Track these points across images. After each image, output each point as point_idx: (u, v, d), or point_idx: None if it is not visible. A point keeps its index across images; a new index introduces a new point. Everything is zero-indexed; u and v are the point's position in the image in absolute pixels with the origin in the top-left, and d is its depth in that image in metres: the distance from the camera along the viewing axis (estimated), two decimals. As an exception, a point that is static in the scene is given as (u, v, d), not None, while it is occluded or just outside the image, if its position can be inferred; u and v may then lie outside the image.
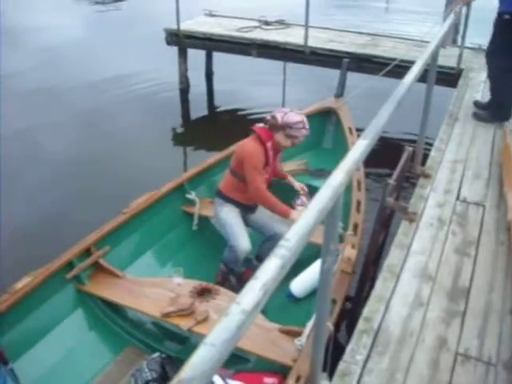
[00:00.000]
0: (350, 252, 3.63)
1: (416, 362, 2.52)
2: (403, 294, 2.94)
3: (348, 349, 2.55)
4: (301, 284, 3.81)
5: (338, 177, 1.74)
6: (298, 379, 2.68)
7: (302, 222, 1.50)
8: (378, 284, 3.00)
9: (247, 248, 3.78)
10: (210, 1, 12.00)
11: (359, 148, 1.94)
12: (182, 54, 8.86)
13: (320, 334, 2.15)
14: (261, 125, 3.82)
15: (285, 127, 3.71)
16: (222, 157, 4.69)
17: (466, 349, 2.62)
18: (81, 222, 4.98)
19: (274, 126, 3.74)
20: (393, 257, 3.23)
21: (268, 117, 3.79)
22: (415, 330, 2.71)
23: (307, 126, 3.79)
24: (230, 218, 3.86)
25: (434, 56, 3.64)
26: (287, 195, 4.27)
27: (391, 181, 3.56)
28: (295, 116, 3.74)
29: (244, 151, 3.71)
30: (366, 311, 2.79)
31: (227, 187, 3.91)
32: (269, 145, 3.75)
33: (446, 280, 3.08)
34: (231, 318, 1.17)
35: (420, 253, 3.28)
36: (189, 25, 8.72)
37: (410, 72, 2.87)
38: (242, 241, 3.76)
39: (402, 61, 4.94)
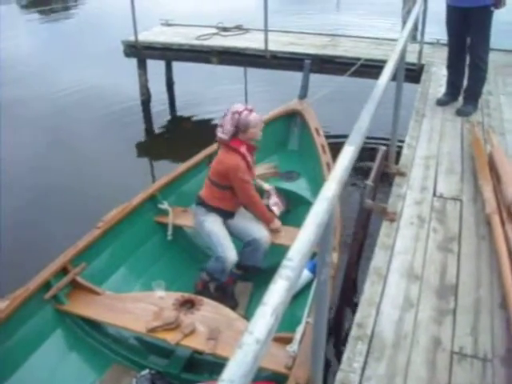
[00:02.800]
0: (332, 256, 3.60)
1: (413, 365, 2.50)
2: (392, 297, 2.92)
3: (344, 357, 2.52)
4: None
5: (332, 188, 1.69)
6: None
7: (302, 239, 1.45)
8: (367, 288, 2.97)
9: (234, 259, 3.79)
10: (163, 10, 11.97)
11: (347, 155, 1.91)
12: (142, 66, 8.76)
13: (318, 347, 2.11)
14: (222, 136, 3.81)
15: (239, 126, 3.75)
16: (192, 164, 4.65)
17: (460, 347, 2.61)
18: (52, 239, 4.94)
19: (235, 133, 3.77)
20: (378, 259, 3.21)
21: (223, 136, 3.77)
22: (409, 332, 2.69)
23: (249, 107, 3.81)
24: (216, 228, 3.86)
25: (402, 54, 3.64)
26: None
27: (369, 182, 3.56)
28: (232, 118, 3.75)
29: (228, 168, 3.75)
30: (358, 317, 2.76)
31: (210, 197, 3.92)
32: (243, 150, 3.78)
33: (433, 278, 3.07)
34: (246, 350, 1.11)
35: (404, 253, 3.27)
36: (146, 35, 8.62)
37: (383, 73, 2.86)
38: (230, 252, 3.77)
39: (366, 60, 4.96)
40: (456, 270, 3.14)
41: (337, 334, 4.07)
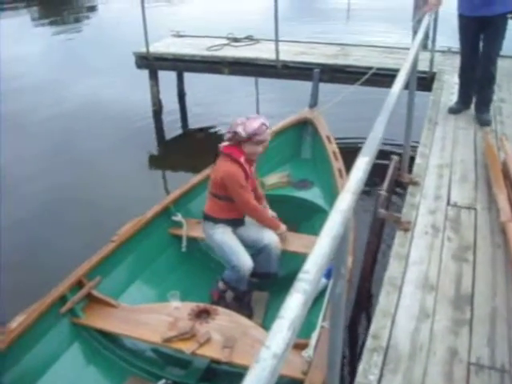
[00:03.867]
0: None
1: (430, 377, 2.47)
2: (408, 307, 2.89)
3: (360, 369, 2.49)
4: None
5: (346, 200, 1.68)
6: None
7: (317, 252, 1.44)
8: (382, 299, 2.95)
9: (250, 266, 3.75)
10: (173, 22, 12.04)
11: (361, 166, 1.90)
12: (153, 76, 8.80)
13: (335, 355, 2.09)
14: (225, 143, 3.80)
15: (250, 137, 3.69)
16: (205, 176, 4.63)
17: (477, 358, 2.58)
18: (67, 253, 4.93)
19: (240, 139, 3.72)
20: (392, 269, 3.19)
21: (229, 134, 3.76)
22: (424, 344, 2.66)
23: (268, 124, 3.78)
24: (226, 238, 3.83)
25: (414, 63, 3.63)
26: (299, 213, 4.44)
27: (382, 191, 3.54)
28: (254, 122, 3.70)
29: (223, 176, 3.70)
30: (373, 328, 2.74)
31: (213, 210, 3.89)
32: (242, 160, 3.75)
33: (449, 288, 3.04)
34: (263, 365, 1.10)
35: (419, 262, 3.25)
36: (157, 47, 8.67)
37: (396, 81, 2.85)
38: (245, 260, 3.74)
39: (377, 69, 4.95)
40: (471, 280, 3.11)
41: (351, 344, 4.05)
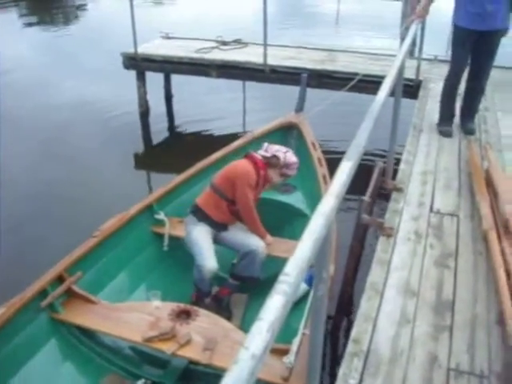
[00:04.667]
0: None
1: (410, 382, 2.49)
2: (389, 312, 2.91)
3: (340, 373, 2.50)
4: None
5: (329, 203, 1.69)
6: None
7: (299, 255, 1.44)
8: (363, 303, 2.96)
9: (213, 268, 3.77)
10: (162, 23, 12.02)
11: (345, 170, 1.90)
12: (141, 78, 8.76)
13: (315, 361, 2.09)
14: (257, 155, 3.99)
15: (283, 166, 3.98)
16: (189, 175, 4.69)
17: (457, 363, 2.60)
18: (49, 248, 4.93)
19: (273, 163, 3.98)
20: (374, 274, 3.20)
21: (267, 154, 3.99)
22: (405, 349, 2.68)
23: (298, 165, 4.07)
24: (200, 237, 3.88)
25: (401, 70, 3.66)
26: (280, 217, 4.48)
27: (365, 198, 3.56)
28: (293, 157, 4.04)
29: (239, 169, 3.86)
30: (354, 332, 2.75)
31: (205, 203, 3.96)
32: (262, 173, 3.93)
33: (430, 294, 3.06)
34: (242, 366, 1.10)
35: (401, 268, 3.27)
36: (146, 48, 8.64)
37: (381, 88, 2.86)
38: (209, 261, 3.77)
39: (364, 75, 4.97)
40: (453, 286, 3.13)
41: (333, 348, 4.05)
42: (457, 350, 2.68)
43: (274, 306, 1.26)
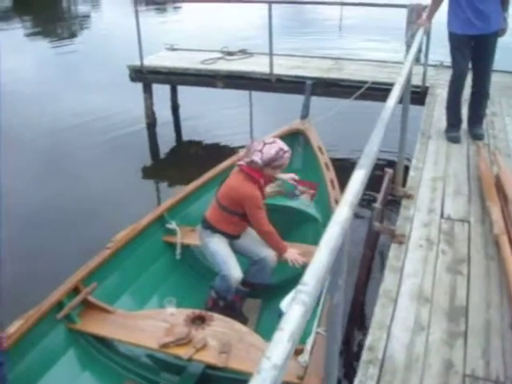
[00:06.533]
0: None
1: (426, 389, 2.49)
2: (403, 319, 2.91)
3: (356, 381, 2.50)
4: None
5: (344, 212, 1.70)
6: None
7: (316, 264, 1.45)
8: (377, 311, 2.96)
9: (239, 277, 3.79)
10: (166, 35, 12.09)
11: (358, 179, 1.92)
12: (147, 90, 8.81)
13: (332, 369, 2.09)
14: (244, 163, 3.81)
15: (267, 164, 3.72)
16: (199, 184, 4.72)
17: (472, 369, 2.59)
18: (63, 261, 4.95)
19: (259, 167, 3.74)
20: (387, 281, 3.20)
21: (247, 159, 3.77)
22: (420, 356, 2.68)
23: (286, 148, 3.78)
24: (220, 248, 3.87)
25: (409, 77, 3.67)
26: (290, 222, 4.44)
27: (377, 205, 3.57)
28: (271, 149, 3.72)
29: (244, 196, 3.72)
30: (369, 340, 2.75)
31: (216, 219, 3.90)
32: (262, 182, 3.81)
33: (443, 301, 3.06)
34: (264, 376, 1.12)
35: (413, 275, 3.27)
36: (151, 60, 8.69)
37: (391, 96, 2.88)
38: (235, 270, 3.78)
39: (372, 83, 4.99)
40: (466, 292, 3.13)
41: (345, 356, 4.05)
42: (472, 356, 2.68)
43: (294, 315, 1.27)
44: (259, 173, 3.76)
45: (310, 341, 2.98)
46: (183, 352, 3.17)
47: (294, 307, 1.29)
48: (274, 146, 3.72)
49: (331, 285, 1.85)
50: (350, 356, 4.02)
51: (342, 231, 1.64)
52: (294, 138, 5.41)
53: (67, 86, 11.21)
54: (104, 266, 3.82)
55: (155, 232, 4.35)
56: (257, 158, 3.69)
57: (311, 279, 1.39)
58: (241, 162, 3.82)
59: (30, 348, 3.22)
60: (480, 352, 2.70)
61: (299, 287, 1.36)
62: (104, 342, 3.54)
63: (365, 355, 2.66)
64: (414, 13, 6.94)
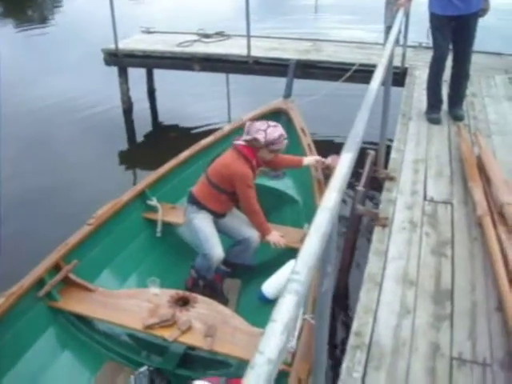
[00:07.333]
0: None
1: (413, 373, 2.47)
2: (389, 303, 2.89)
3: (343, 367, 2.48)
4: (274, 285, 3.75)
5: (332, 197, 1.65)
6: (299, 381, 2.64)
7: (307, 251, 1.40)
8: (362, 295, 2.93)
9: (221, 256, 3.80)
10: (142, 18, 11.89)
11: (345, 162, 1.87)
12: (123, 74, 8.65)
13: (321, 356, 2.06)
14: (241, 142, 3.81)
15: (268, 145, 3.77)
16: (180, 161, 4.69)
17: (459, 352, 2.58)
18: (43, 238, 4.94)
19: (257, 146, 3.78)
20: (372, 265, 3.18)
21: (248, 137, 3.79)
22: (407, 339, 2.66)
23: (286, 135, 3.86)
24: (204, 225, 3.86)
25: (390, 59, 3.62)
26: (270, 203, 4.39)
27: (360, 188, 3.53)
28: (275, 131, 3.78)
29: (236, 172, 3.73)
30: (356, 325, 2.73)
31: (203, 195, 3.89)
32: (254, 162, 3.83)
33: (428, 283, 3.04)
34: (258, 371, 1.06)
35: (398, 258, 3.25)
36: (127, 43, 8.53)
37: (374, 77, 2.83)
38: (217, 250, 3.78)
39: (349, 64, 4.93)
40: (451, 274, 3.12)
41: (331, 338, 4.03)
42: (458, 339, 2.66)
43: (287, 306, 1.22)
44: (253, 154, 3.80)
45: (297, 326, 2.95)
46: (168, 334, 3.16)
47: (286, 297, 1.24)
48: (278, 130, 3.81)
49: (320, 272, 1.80)
50: (336, 341, 4.01)
51: (331, 217, 1.59)
52: (276, 117, 5.32)
53: (42, 71, 10.99)
54: (84, 243, 3.78)
55: (136, 208, 4.32)
56: (260, 136, 3.74)
57: (303, 268, 1.34)
58: (238, 142, 3.83)
59: (10, 326, 3.18)
60: (466, 334, 2.69)
61: (291, 276, 1.31)
62: (85, 321, 3.51)
63: (351, 340, 2.63)
64: (393, -7, 6.87)
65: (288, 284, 1.28)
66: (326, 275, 1.81)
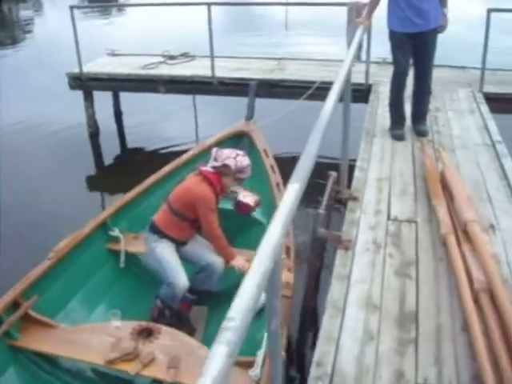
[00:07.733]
0: (287, 276, 3.51)
1: (377, 403, 2.39)
2: (352, 330, 2.81)
3: (305, 400, 2.39)
4: None
5: (277, 231, 1.58)
6: None
7: (245, 294, 1.33)
8: (325, 322, 2.86)
9: (186, 285, 3.74)
10: (108, 40, 11.79)
11: (292, 195, 1.80)
12: (88, 98, 8.53)
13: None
14: (208, 169, 3.83)
15: (236, 172, 3.83)
16: (141, 190, 4.62)
17: (425, 378, 2.52)
18: (2, 274, 4.69)
19: (225, 172, 3.83)
20: (334, 290, 3.10)
21: (216, 163, 3.83)
22: (370, 367, 2.58)
23: (251, 166, 3.94)
24: (167, 254, 3.81)
25: (348, 76, 3.58)
26: (235, 227, 4.37)
27: (321, 210, 3.47)
28: (244, 160, 3.87)
29: (198, 196, 3.73)
30: (317, 354, 2.64)
31: (165, 224, 3.86)
32: (218, 189, 3.82)
33: (392, 307, 2.98)
34: None
35: (361, 281, 3.18)
36: (91, 67, 8.43)
37: (329, 96, 2.78)
38: (181, 278, 3.72)
39: (311, 82, 4.90)
40: (415, 296, 3.06)
41: (299, 366, 3.95)
42: (424, 364, 2.60)
43: (217, 358, 1.14)
44: (218, 180, 3.82)
45: (260, 353, 2.88)
46: (130, 368, 3.07)
47: (218, 349, 1.16)
48: (246, 159, 3.90)
49: (267, 309, 1.72)
50: (303, 366, 3.92)
51: (275, 252, 1.52)
52: (238, 139, 5.29)
53: (5, 94, 10.79)
54: (45, 278, 3.68)
55: (98, 240, 4.23)
56: (231, 163, 3.79)
57: (238, 313, 1.27)
58: (204, 168, 3.84)
59: None
60: (432, 359, 2.63)
61: (224, 323, 1.23)
62: (47, 359, 3.41)
63: (313, 371, 2.54)
64: (354, 11, 6.90)
65: (220, 333, 1.20)
66: (274, 313, 1.73)
